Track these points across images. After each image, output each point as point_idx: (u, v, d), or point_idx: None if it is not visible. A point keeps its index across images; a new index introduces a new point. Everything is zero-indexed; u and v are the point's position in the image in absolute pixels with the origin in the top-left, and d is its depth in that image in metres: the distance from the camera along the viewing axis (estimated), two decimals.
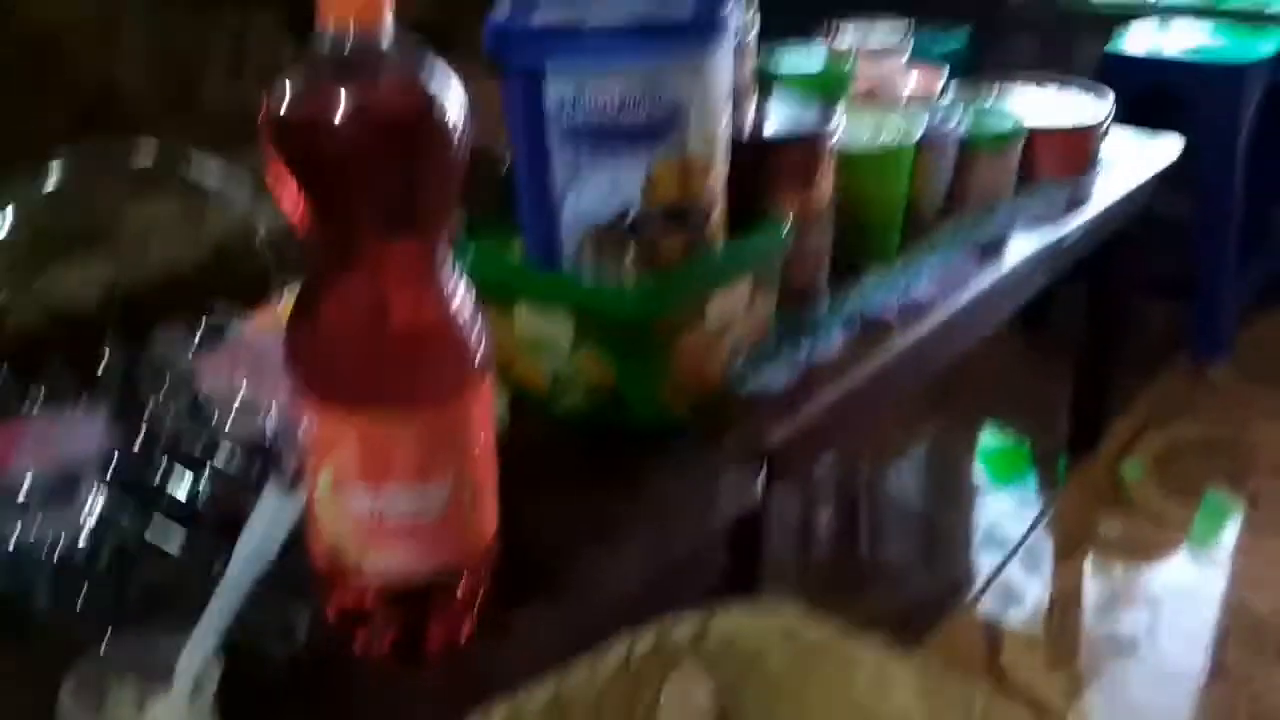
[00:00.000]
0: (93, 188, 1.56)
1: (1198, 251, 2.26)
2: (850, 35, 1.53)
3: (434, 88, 0.57)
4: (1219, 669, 1.46)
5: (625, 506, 0.83)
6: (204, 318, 0.96)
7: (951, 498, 1.92)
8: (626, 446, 0.90)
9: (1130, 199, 1.55)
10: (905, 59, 1.51)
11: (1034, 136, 1.47)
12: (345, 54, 0.56)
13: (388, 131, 0.55)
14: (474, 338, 0.62)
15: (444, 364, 0.60)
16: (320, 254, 0.59)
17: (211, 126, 2.04)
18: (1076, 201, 1.47)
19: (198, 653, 0.55)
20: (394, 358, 0.59)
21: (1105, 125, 1.58)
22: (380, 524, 0.62)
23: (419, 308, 0.60)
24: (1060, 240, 1.37)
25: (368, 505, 0.61)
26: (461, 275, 0.62)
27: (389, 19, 0.56)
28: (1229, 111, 2.18)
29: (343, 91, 0.55)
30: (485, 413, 0.64)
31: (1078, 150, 1.55)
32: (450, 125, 0.56)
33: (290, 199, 0.57)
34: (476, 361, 0.62)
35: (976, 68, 2.64)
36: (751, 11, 1.20)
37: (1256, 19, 2.45)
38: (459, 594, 0.66)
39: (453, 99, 0.57)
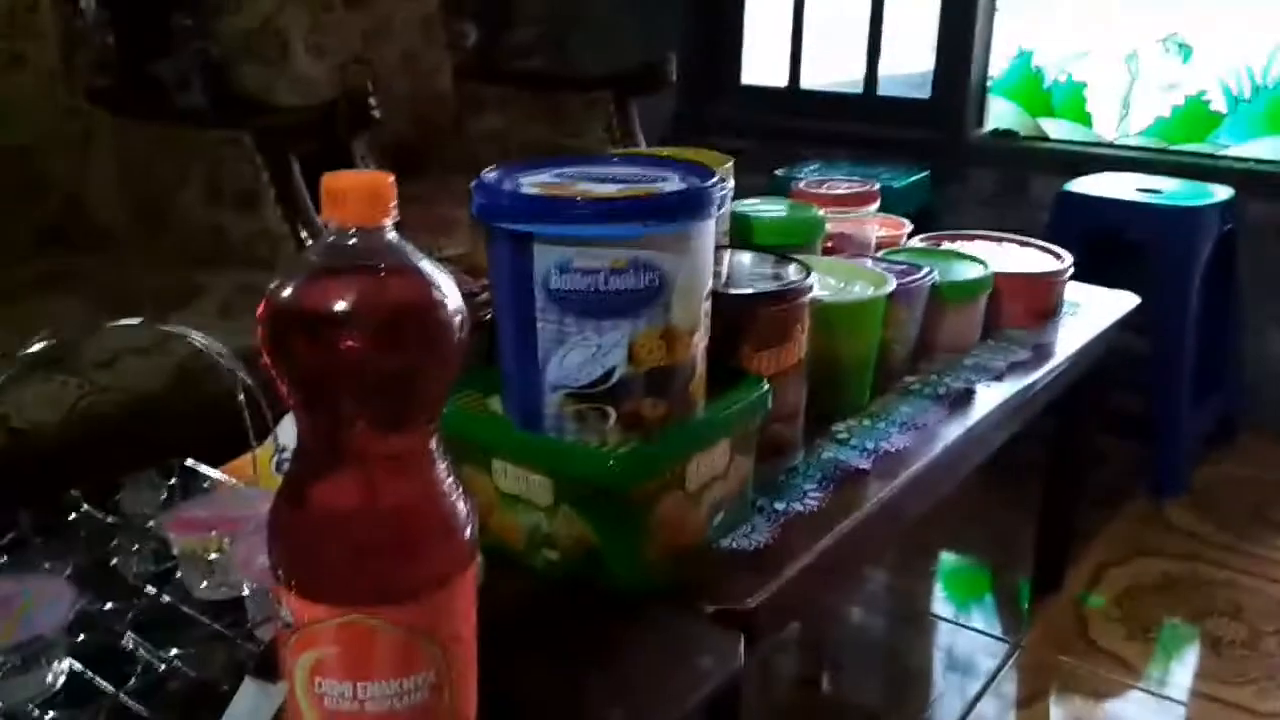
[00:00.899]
0: (60, 309, 1.55)
1: (1154, 390, 2.30)
2: (814, 184, 1.57)
3: (435, 285, 0.57)
4: None
5: (600, 678, 0.81)
6: (174, 466, 0.95)
7: (915, 632, 1.91)
8: (604, 607, 0.89)
9: (1093, 345, 1.59)
10: (874, 207, 1.55)
11: (1000, 283, 1.51)
12: (346, 250, 0.56)
13: (390, 328, 0.56)
14: (463, 526, 0.61)
15: (433, 557, 0.60)
16: (310, 446, 0.59)
17: (183, 245, 2.05)
18: (1042, 349, 1.50)
19: None
20: (382, 554, 0.58)
21: (1067, 273, 1.62)
22: (359, 714, 0.60)
23: (409, 501, 0.59)
24: (1028, 388, 1.40)
25: (347, 698, 0.60)
26: (448, 457, 0.62)
27: (392, 216, 0.57)
28: (1183, 254, 2.25)
29: (344, 287, 0.55)
30: (470, 598, 0.64)
31: (1042, 298, 1.59)
32: (451, 322, 0.57)
33: (283, 389, 0.57)
34: (465, 550, 0.62)
35: (935, 208, 2.74)
36: (729, 162, 1.23)
37: (1209, 167, 2.55)
38: None
39: (453, 295, 0.58)
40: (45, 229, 2.10)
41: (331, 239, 0.57)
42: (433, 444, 0.61)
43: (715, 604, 0.91)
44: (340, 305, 0.55)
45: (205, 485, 0.92)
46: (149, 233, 2.12)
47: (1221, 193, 2.32)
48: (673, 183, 0.89)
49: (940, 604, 1.98)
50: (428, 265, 0.58)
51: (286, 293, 0.56)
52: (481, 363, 0.99)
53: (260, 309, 0.56)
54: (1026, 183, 2.79)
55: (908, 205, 2.16)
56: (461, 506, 0.62)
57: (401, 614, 0.59)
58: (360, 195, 0.56)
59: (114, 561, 0.84)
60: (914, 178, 2.74)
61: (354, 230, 0.57)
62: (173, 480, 0.91)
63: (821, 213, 1.43)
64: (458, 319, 0.57)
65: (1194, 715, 1.66)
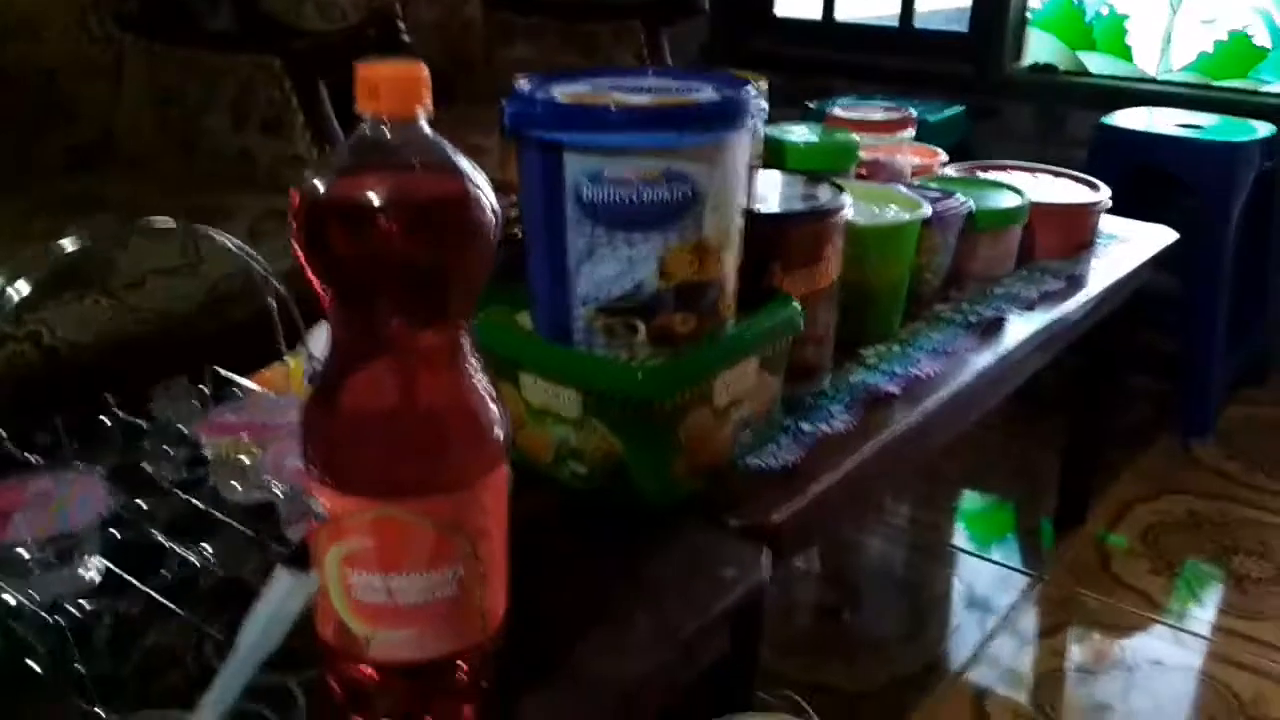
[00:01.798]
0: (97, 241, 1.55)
1: (1186, 330, 2.28)
2: (850, 111, 1.55)
3: (468, 177, 0.57)
4: None
5: (630, 588, 0.82)
6: (206, 376, 0.95)
7: (936, 566, 1.92)
8: (631, 522, 0.89)
9: (1126, 281, 1.56)
10: (909, 135, 1.52)
11: (1034, 215, 1.49)
12: (381, 142, 0.56)
13: (423, 221, 0.55)
14: (494, 424, 0.61)
15: (465, 452, 0.60)
16: (344, 340, 0.59)
17: (212, 168, 2.05)
18: (1075, 282, 1.48)
19: None
20: (415, 448, 0.59)
21: (1103, 205, 1.59)
22: (391, 607, 0.61)
23: (442, 396, 0.60)
24: (1059, 320, 1.38)
25: (379, 589, 0.60)
26: (480, 358, 0.62)
27: (427, 106, 0.56)
28: (1222, 191, 2.21)
29: (378, 180, 0.55)
30: (501, 497, 0.64)
31: (1077, 230, 1.57)
32: (484, 215, 0.56)
33: (317, 284, 0.57)
34: (495, 446, 0.62)
35: (971, 143, 2.69)
36: (765, 84, 1.21)
37: (1251, 103, 2.50)
38: (464, 676, 0.65)
39: (485, 187, 0.57)
40: (75, 153, 2.10)
41: (366, 131, 0.56)
42: (465, 342, 0.61)
43: (740, 519, 0.91)
44: (374, 195, 0.54)
45: (237, 393, 0.93)
46: (178, 157, 2.12)
47: (1263, 129, 2.27)
48: (706, 93, 0.88)
49: (963, 538, 1.99)
50: (462, 159, 0.57)
51: (320, 184, 0.56)
52: (511, 279, 0.98)
53: (293, 200, 0.56)
54: (1065, 118, 2.74)
55: (944, 140, 2.12)
56: (493, 406, 0.62)
57: (432, 507, 0.59)
58: (394, 86, 0.56)
59: (146, 465, 0.85)
60: (950, 113, 2.69)
61: (388, 122, 0.56)
62: (205, 389, 0.91)
63: (856, 138, 1.41)
64: (491, 212, 0.57)
65: (1215, 650, 1.66)
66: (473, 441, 0.60)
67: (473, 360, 0.61)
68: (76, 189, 1.94)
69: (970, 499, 2.10)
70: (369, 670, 0.63)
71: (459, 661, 0.64)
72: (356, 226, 0.55)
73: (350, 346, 0.59)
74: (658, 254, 0.85)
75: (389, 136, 0.56)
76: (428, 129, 0.57)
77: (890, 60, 2.98)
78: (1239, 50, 2.61)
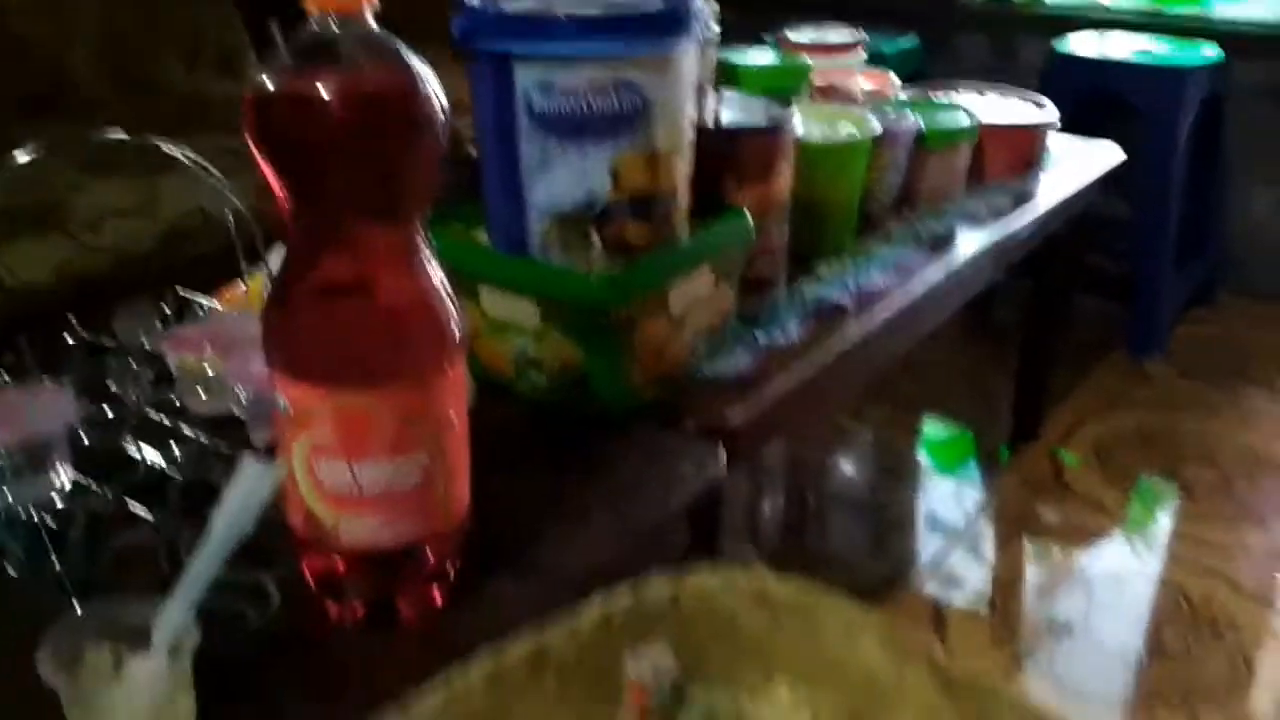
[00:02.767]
0: (47, 169, 1.54)
1: (1136, 252, 2.32)
2: (803, 36, 1.56)
3: (416, 70, 0.58)
4: (1155, 648, 1.52)
5: (589, 486, 0.85)
6: (168, 297, 0.97)
7: (897, 485, 1.96)
8: (590, 429, 0.92)
9: (1075, 199, 1.60)
10: (860, 58, 1.54)
11: (983, 135, 1.51)
12: (328, 38, 0.57)
13: (373, 112, 0.57)
14: (450, 316, 0.63)
15: (421, 342, 0.62)
16: (300, 235, 0.60)
17: (165, 111, 2.03)
18: (1023, 200, 1.51)
19: (176, 615, 0.56)
20: (372, 337, 0.61)
21: (1051, 126, 1.62)
22: (357, 494, 0.63)
23: (398, 291, 0.61)
24: (1008, 237, 1.42)
25: (344, 477, 0.63)
26: (436, 256, 0.64)
27: (373, 2, 0.58)
28: (1170, 115, 2.24)
29: (327, 74, 0.57)
30: (459, 389, 0.66)
31: (1025, 149, 1.60)
32: (433, 107, 0.58)
33: (270, 181, 0.59)
34: (452, 339, 0.64)
35: (925, 71, 2.71)
36: (716, 7, 1.22)
37: (1198, 28, 2.53)
38: (431, 563, 0.67)
39: (433, 82, 0.59)
40: (30, 99, 2.08)
41: (314, 26, 0.58)
42: (421, 242, 0.63)
43: (697, 422, 0.94)
44: (322, 88, 0.56)
45: (199, 312, 0.94)
46: (132, 100, 2.10)
47: (1211, 54, 2.31)
48: (655, 4, 0.89)
49: (922, 457, 2.03)
50: (410, 54, 0.59)
51: (269, 78, 0.57)
52: (468, 199, 1.00)
53: (246, 97, 0.57)
54: (1018, 48, 2.76)
55: (899, 72, 2.14)
56: (449, 303, 0.64)
57: (392, 396, 0.61)
58: None
59: (110, 381, 0.86)
60: (905, 44, 2.70)
61: (336, 18, 0.57)
62: (167, 309, 0.93)
63: (808, 61, 1.42)
64: (439, 108, 0.59)
65: (1166, 555, 1.72)
66: (429, 334, 0.63)
67: (429, 260, 0.63)
68: (31, 134, 1.92)
69: (928, 420, 2.15)
70: (339, 558, 0.65)
71: (425, 548, 0.67)
72: (305, 119, 0.56)
73: (307, 244, 0.61)
74: (610, 163, 0.87)
75: (337, 31, 0.57)
76: (374, 24, 0.58)
77: None
78: None
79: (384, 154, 0.58)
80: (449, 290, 0.64)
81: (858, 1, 2.93)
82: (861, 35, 1.56)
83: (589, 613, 0.51)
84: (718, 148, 1.03)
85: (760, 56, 1.42)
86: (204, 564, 0.59)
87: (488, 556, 0.72)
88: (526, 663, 0.49)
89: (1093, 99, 2.20)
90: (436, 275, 0.63)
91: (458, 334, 0.64)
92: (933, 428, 2.14)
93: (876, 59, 1.69)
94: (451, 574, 0.69)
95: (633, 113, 0.86)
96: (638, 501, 0.83)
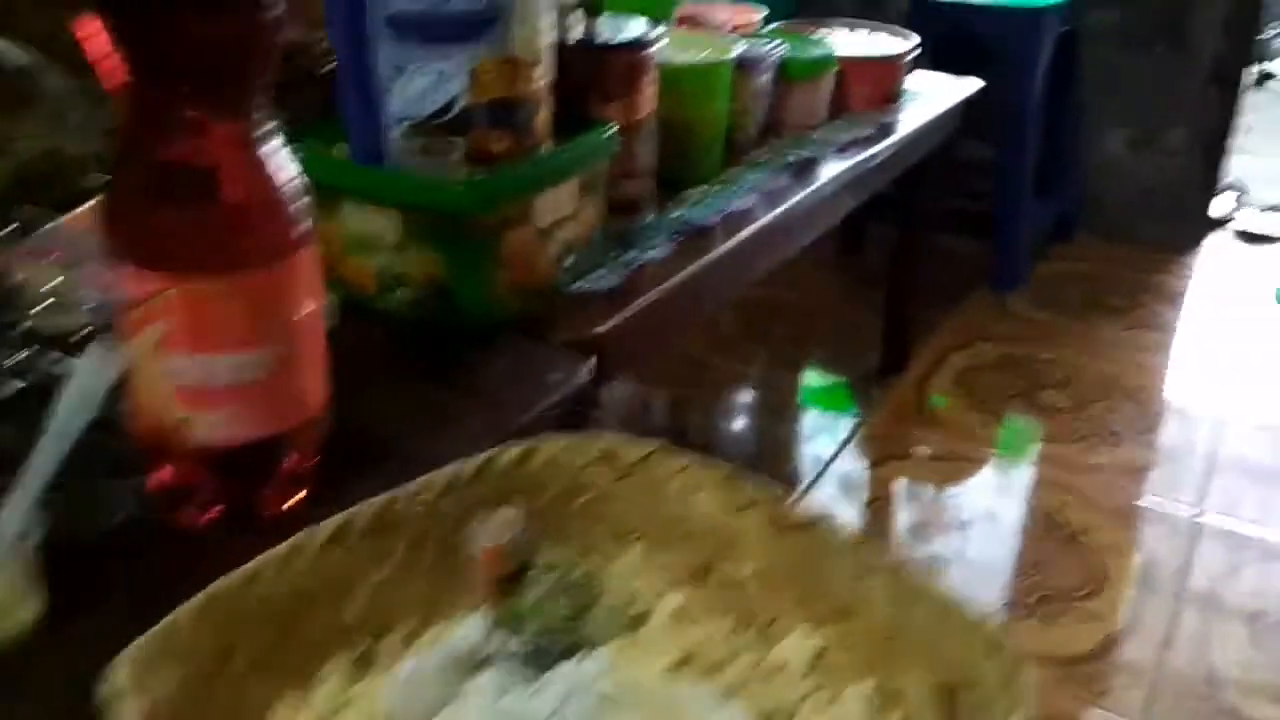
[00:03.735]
0: None
1: (997, 192, 2.41)
2: None
3: None
4: (1016, 562, 1.59)
5: (455, 395, 0.84)
6: (13, 212, 0.93)
7: (772, 421, 2.01)
8: (456, 343, 0.91)
9: (934, 127, 1.65)
10: None
11: (845, 67, 1.54)
12: None
13: None
14: (295, 207, 0.62)
15: (265, 231, 0.61)
16: (138, 120, 0.59)
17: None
18: (885, 129, 1.55)
19: (20, 504, 0.55)
20: (214, 225, 0.59)
21: (910, 57, 1.67)
22: (204, 389, 0.62)
23: (239, 175, 0.60)
24: (868, 160, 1.45)
25: (191, 371, 0.61)
26: (285, 151, 0.62)
27: None
28: (1026, 56, 2.32)
29: None
30: (308, 282, 0.65)
31: (886, 81, 1.64)
32: None
33: (109, 61, 0.57)
34: (298, 230, 0.63)
35: (795, 12, 2.74)
36: None
37: None
38: (289, 460, 0.67)
39: None
40: None
41: None
42: (266, 133, 0.61)
43: (565, 334, 0.94)
44: None
45: (42, 231, 0.90)
46: None
47: None
48: None
49: (795, 392, 2.08)
50: None
51: None
52: (327, 117, 0.98)
53: None
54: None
55: (773, 14, 2.18)
56: (297, 191, 0.62)
57: (238, 284, 0.60)
58: None
59: None
60: None
61: None
62: (11, 227, 0.89)
63: None
64: None
65: (1026, 473, 1.80)
66: (275, 219, 0.61)
67: (277, 153, 0.62)
68: None
69: (802, 357, 2.20)
70: (191, 459, 0.64)
71: (281, 444, 0.66)
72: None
73: (147, 129, 0.59)
74: (467, 67, 0.87)
75: None
76: None
77: None
78: None
79: (219, 35, 0.56)
80: (298, 184, 0.63)
81: None
82: None
83: (437, 477, 0.51)
84: (581, 65, 1.03)
85: None
86: (48, 452, 0.58)
87: (351, 458, 0.72)
88: (373, 526, 0.49)
89: (953, 42, 2.26)
90: (283, 166, 0.62)
91: (302, 226, 0.63)
92: (807, 366, 2.19)
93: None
94: (311, 472, 0.69)
95: (488, 15, 0.86)
96: (506, 406, 0.83)
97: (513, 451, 0.52)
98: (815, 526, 0.49)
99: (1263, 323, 2.32)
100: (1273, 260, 2.65)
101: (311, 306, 0.66)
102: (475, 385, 0.86)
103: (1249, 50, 2.60)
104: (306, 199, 0.63)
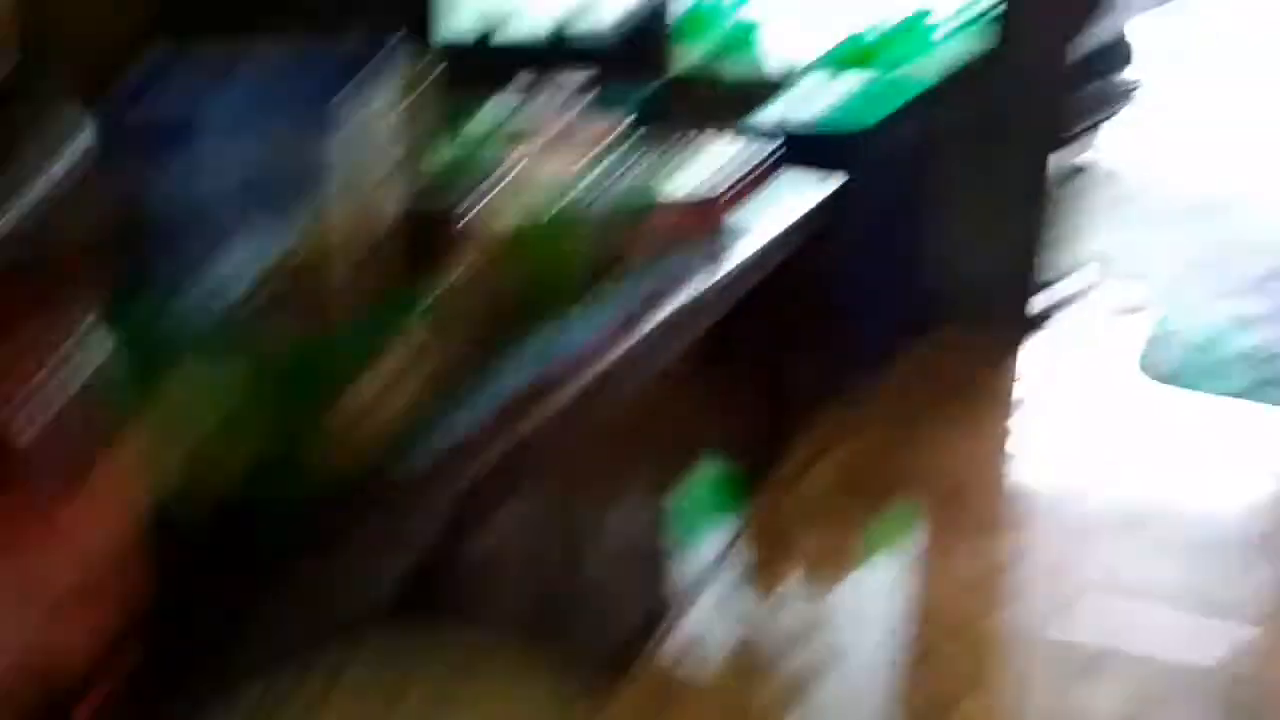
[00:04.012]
0: None
1: (852, 290, 2.49)
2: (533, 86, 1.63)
3: None
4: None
5: (278, 597, 0.85)
6: None
7: (649, 529, 2.05)
8: (285, 521, 0.90)
9: (762, 255, 1.73)
10: (583, 107, 1.62)
11: (668, 206, 1.62)
12: None
13: None
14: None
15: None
16: None
17: None
18: (709, 260, 1.62)
19: None
20: None
21: (730, 194, 1.75)
22: None
23: None
24: (698, 296, 1.52)
25: None
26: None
27: None
28: (873, 160, 2.38)
29: None
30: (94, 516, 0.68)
31: (706, 217, 1.71)
32: None
33: None
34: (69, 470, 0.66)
35: (664, 117, 2.80)
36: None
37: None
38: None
39: None
40: None
41: None
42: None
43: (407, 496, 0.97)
44: None
45: None
46: None
47: (914, 94, 2.50)
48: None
49: (671, 496, 2.13)
50: None
51: None
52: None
53: None
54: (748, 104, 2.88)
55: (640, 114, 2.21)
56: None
57: None
58: None
59: None
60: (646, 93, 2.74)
61: None
62: None
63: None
64: None
65: (905, 569, 1.88)
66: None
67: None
68: None
69: (677, 463, 2.24)
70: None
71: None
72: None
73: None
74: (275, 246, 0.90)
75: None
76: None
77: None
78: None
79: None
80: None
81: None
82: (589, 87, 1.65)
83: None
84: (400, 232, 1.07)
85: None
86: None
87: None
88: None
89: (803, 149, 2.34)
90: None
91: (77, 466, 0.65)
92: (684, 472, 2.23)
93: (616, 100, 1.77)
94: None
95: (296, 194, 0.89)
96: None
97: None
98: None
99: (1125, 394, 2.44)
100: (1135, 331, 2.80)
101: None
102: (301, 578, 0.87)
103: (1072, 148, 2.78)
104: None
